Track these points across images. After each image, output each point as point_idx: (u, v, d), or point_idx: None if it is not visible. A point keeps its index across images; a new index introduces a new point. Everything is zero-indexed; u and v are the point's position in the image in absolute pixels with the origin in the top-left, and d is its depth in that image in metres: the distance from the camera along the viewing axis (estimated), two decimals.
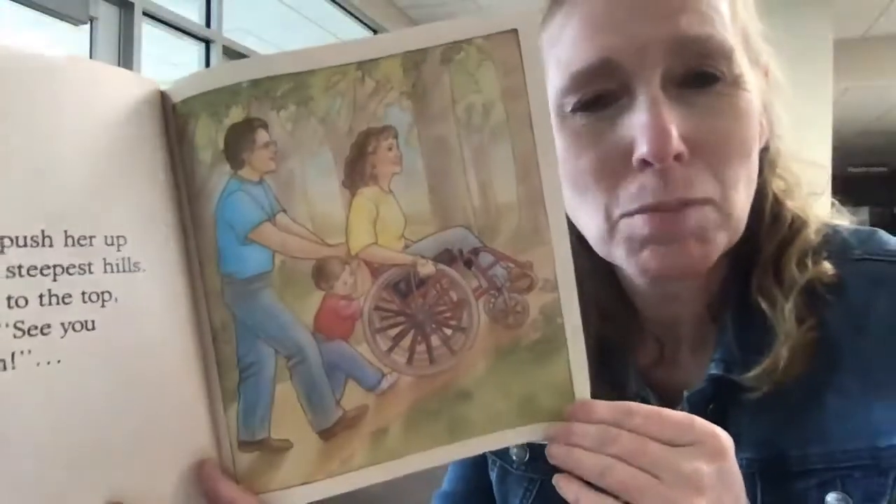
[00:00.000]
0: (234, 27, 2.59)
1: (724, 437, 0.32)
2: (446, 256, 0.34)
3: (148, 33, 2.14)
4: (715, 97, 0.37)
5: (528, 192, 0.34)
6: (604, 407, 0.34)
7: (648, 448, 0.31)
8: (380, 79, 0.32)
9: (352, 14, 3.29)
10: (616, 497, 0.31)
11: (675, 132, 0.36)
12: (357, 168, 0.32)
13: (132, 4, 2.04)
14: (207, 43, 2.49)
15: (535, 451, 0.47)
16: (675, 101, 0.37)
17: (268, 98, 0.31)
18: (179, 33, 2.35)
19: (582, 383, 0.35)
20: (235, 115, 0.31)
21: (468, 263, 0.34)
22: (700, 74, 0.37)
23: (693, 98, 0.37)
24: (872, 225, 0.47)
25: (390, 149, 0.33)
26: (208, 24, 2.50)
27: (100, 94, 0.30)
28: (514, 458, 0.48)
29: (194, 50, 2.48)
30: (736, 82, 0.38)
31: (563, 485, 0.33)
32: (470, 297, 0.34)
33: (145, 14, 2.11)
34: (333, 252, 0.32)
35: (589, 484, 0.32)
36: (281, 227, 0.32)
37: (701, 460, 0.30)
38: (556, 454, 0.33)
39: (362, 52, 0.32)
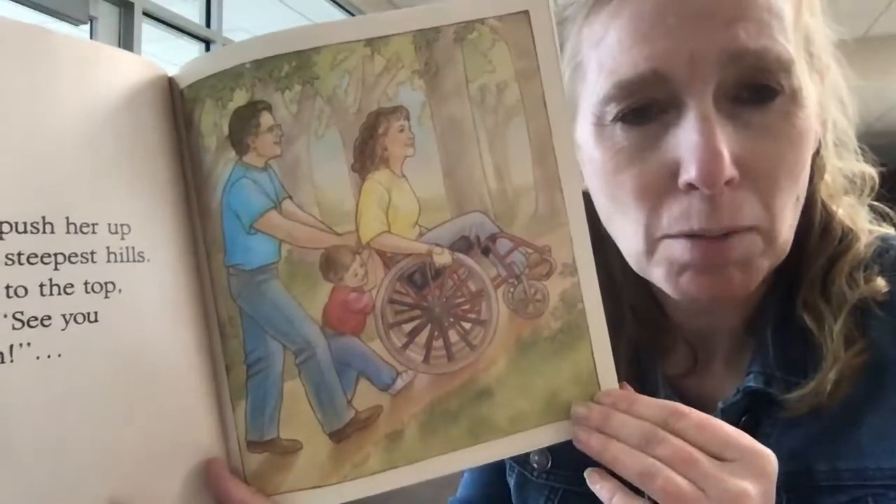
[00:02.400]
0: (234, 27, 2.66)
1: (772, 459, 0.32)
2: (463, 244, 0.34)
3: (148, 33, 2.21)
4: (771, 116, 0.36)
5: (545, 173, 0.34)
6: (648, 402, 0.33)
7: (697, 458, 0.30)
8: (390, 57, 0.33)
9: (352, 15, 3.36)
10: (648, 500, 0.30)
11: (727, 156, 0.34)
12: (367, 151, 0.33)
13: (132, 4, 2.12)
14: (207, 43, 2.57)
15: (558, 459, 0.47)
16: (728, 118, 0.36)
17: (271, 79, 0.32)
18: (179, 33, 2.42)
19: (607, 373, 0.34)
20: (239, 98, 0.32)
21: (486, 251, 0.34)
22: (755, 89, 0.36)
23: (747, 116, 0.36)
24: None
25: (402, 130, 0.33)
26: (208, 24, 2.58)
27: (104, 77, 0.31)
28: (534, 465, 0.48)
29: (194, 50, 2.55)
30: (794, 97, 0.37)
31: (595, 480, 0.33)
32: (489, 287, 0.34)
33: (145, 14, 2.18)
34: (342, 241, 0.32)
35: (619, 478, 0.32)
36: (287, 214, 0.32)
37: (748, 480, 0.30)
38: (588, 443, 0.32)
39: (371, 29, 0.32)
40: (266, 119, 0.32)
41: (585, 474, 0.34)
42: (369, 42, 0.32)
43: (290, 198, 0.32)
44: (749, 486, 0.30)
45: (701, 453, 0.31)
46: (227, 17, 2.64)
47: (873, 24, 3.29)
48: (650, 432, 0.31)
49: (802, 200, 0.39)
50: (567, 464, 0.45)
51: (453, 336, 0.34)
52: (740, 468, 0.31)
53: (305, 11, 3.23)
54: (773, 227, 0.37)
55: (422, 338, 0.34)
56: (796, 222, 0.39)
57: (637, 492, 0.32)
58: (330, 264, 0.33)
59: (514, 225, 0.34)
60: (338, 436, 0.33)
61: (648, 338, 0.45)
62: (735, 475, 0.30)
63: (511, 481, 0.50)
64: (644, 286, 0.45)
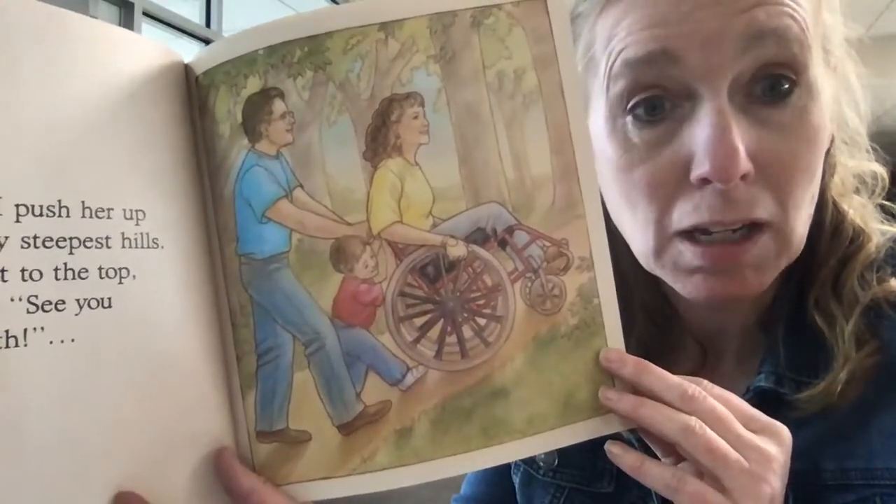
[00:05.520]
0: (234, 27, 2.71)
1: (788, 433, 0.33)
2: (479, 236, 0.33)
3: (148, 33, 2.27)
4: (788, 113, 0.36)
5: (563, 163, 0.33)
6: (674, 377, 0.33)
7: (733, 419, 0.31)
8: (404, 41, 0.32)
9: None
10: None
11: (742, 151, 0.34)
12: (379, 138, 0.32)
13: (132, 4, 2.18)
14: (207, 43, 2.63)
15: (565, 458, 0.47)
16: (743, 114, 0.36)
17: (284, 65, 0.31)
18: (179, 33, 2.48)
19: None
20: (252, 85, 0.32)
21: (503, 243, 0.33)
22: (772, 83, 0.36)
23: (763, 114, 0.36)
24: None
25: (416, 117, 0.32)
26: (208, 24, 2.63)
27: (121, 61, 0.31)
28: (541, 463, 0.48)
29: (194, 50, 2.61)
30: (809, 92, 0.36)
31: (617, 453, 0.33)
32: (505, 281, 0.33)
33: (145, 14, 2.24)
34: (353, 231, 0.32)
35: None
36: (298, 203, 0.32)
37: (776, 446, 0.31)
38: (619, 403, 0.32)
39: (385, 12, 0.32)
40: (278, 106, 0.32)
41: (606, 447, 0.33)
42: (383, 26, 0.32)
43: (302, 186, 0.32)
44: (777, 452, 0.31)
45: (733, 416, 0.31)
46: (227, 17, 2.69)
47: (873, 24, 3.33)
48: (687, 389, 0.31)
49: (816, 198, 0.39)
50: (574, 462, 0.46)
51: (467, 332, 0.33)
52: (766, 435, 0.32)
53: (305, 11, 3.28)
54: (788, 224, 0.37)
55: (434, 333, 0.33)
56: (810, 220, 0.39)
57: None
58: (340, 255, 0.32)
59: (532, 217, 0.33)
60: (346, 428, 0.33)
61: (658, 336, 0.45)
62: (765, 440, 0.31)
63: (516, 479, 0.50)
64: (654, 284, 0.45)
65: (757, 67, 0.35)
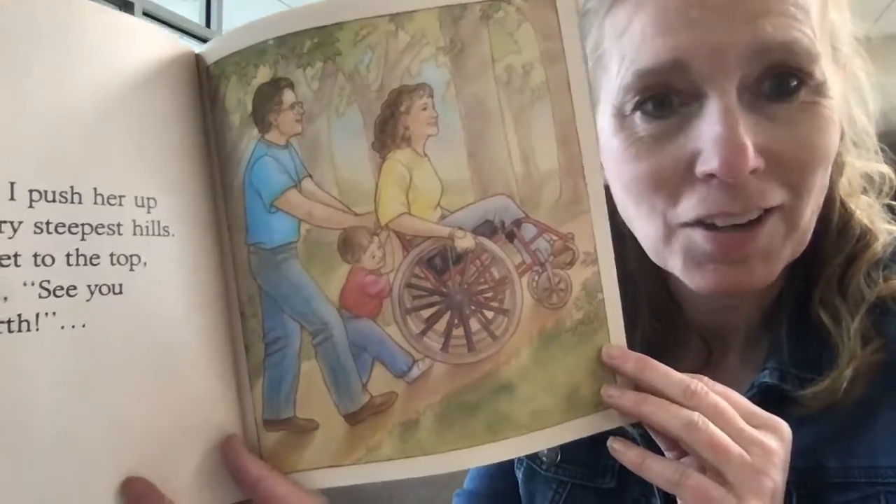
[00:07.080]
0: (233, 27, 2.73)
1: (788, 428, 0.33)
2: (487, 228, 0.33)
3: None
4: (796, 108, 0.36)
5: (569, 158, 0.33)
6: (676, 373, 0.33)
7: (734, 414, 0.31)
8: (414, 33, 0.32)
9: None
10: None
11: (750, 147, 0.34)
12: (388, 129, 0.32)
13: (132, 4, 2.20)
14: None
15: (567, 454, 0.47)
16: (751, 110, 0.36)
17: (294, 55, 0.32)
18: (179, 33, 2.50)
19: None
20: (263, 75, 0.32)
21: (510, 236, 0.33)
22: (780, 81, 0.36)
23: (772, 110, 0.36)
24: None
25: (425, 108, 0.32)
26: (208, 24, 2.65)
27: (133, 49, 0.31)
28: (543, 458, 0.48)
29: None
30: (818, 90, 0.37)
31: (620, 449, 0.33)
32: (513, 274, 0.33)
33: (145, 14, 2.26)
34: (361, 222, 0.32)
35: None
36: (306, 193, 0.32)
37: (777, 441, 0.32)
38: (620, 400, 0.32)
39: (396, 4, 0.32)
40: (288, 96, 0.32)
41: (608, 443, 0.34)
42: (393, 17, 0.32)
43: (310, 176, 0.32)
44: (778, 446, 0.31)
45: (734, 411, 0.32)
46: (227, 16, 2.71)
47: (873, 24, 3.28)
48: (689, 384, 0.32)
49: (825, 190, 0.39)
50: (576, 458, 0.47)
51: (474, 325, 0.33)
52: (767, 431, 0.32)
53: None
54: (797, 207, 0.37)
55: (440, 325, 0.33)
56: (819, 210, 0.39)
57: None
58: (348, 245, 0.32)
59: (539, 210, 0.33)
60: (353, 418, 0.33)
61: (663, 332, 0.45)
62: (767, 435, 0.32)
63: (519, 473, 0.51)
64: (660, 281, 0.45)
65: (763, 68, 0.36)
